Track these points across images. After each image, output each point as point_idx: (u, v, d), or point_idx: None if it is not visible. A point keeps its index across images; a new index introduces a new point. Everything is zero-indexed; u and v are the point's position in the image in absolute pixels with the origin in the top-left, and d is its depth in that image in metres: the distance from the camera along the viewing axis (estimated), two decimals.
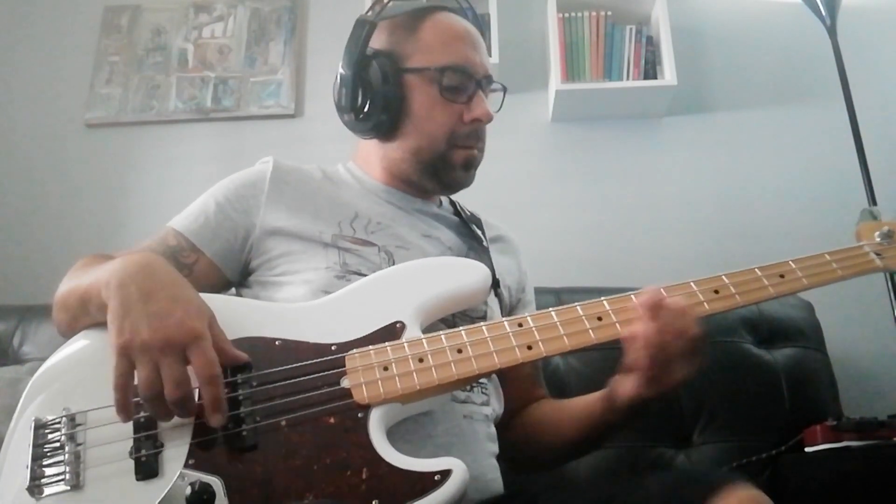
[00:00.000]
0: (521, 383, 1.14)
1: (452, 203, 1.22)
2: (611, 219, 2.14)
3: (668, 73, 2.10)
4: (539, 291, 1.25)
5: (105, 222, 2.19)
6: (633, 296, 0.89)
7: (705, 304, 0.88)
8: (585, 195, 2.17)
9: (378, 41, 1.08)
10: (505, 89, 1.14)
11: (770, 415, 1.55)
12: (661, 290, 0.87)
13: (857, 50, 2.06)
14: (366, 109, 1.06)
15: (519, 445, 1.09)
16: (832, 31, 1.87)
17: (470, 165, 1.09)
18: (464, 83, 1.06)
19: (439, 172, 1.08)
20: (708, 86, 2.27)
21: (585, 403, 1.02)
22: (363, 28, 1.06)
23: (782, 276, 0.91)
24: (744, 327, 1.65)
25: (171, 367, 0.75)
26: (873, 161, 1.78)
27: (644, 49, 2.17)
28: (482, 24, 2.13)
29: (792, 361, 1.62)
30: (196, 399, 0.77)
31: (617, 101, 2.18)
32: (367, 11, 1.10)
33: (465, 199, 1.26)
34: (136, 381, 0.76)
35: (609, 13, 2.20)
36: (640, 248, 2.08)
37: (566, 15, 2.20)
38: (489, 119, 1.07)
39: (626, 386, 0.88)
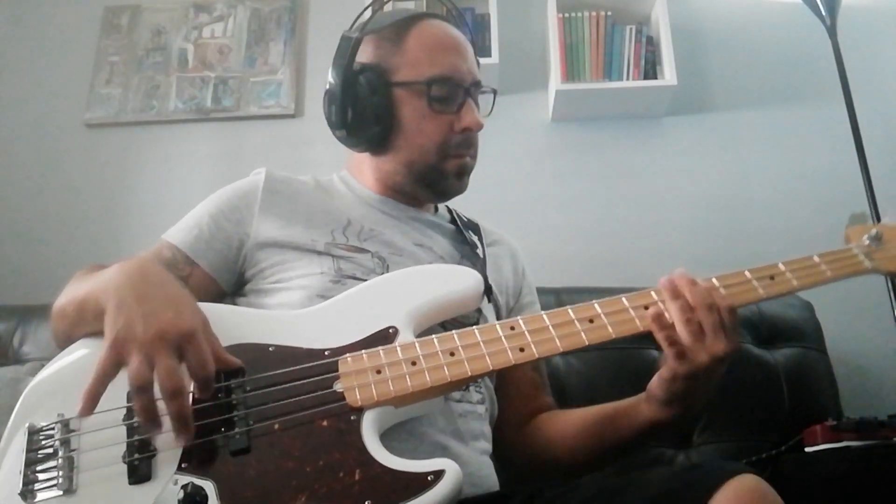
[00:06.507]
0: (525, 389, 1.12)
1: (449, 210, 1.21)
2: (611, 219, 2.14)
3: (668, 73, 2.10)
4: (539, 291, 1.25)
5: (105, 222, 2.19)
6: (623, 298, 0.89)
7: None
8: (585, 195, 2.17)
9: (365, 55, 1.07)
10: (495, 92, 1.14)
11: (770, 415, 1.55)
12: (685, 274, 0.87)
13: (857, 50, 2.06)
14: (356, 124, 1.06)
15: (529, 457, 1.07)
16: (832, 31, 1.87)
17: (462, 173, 1.09)
18: (452, 93, 1.06)
19: (432, 183, 1.09)
20: (708, 86, 2.27)
21: (612, 408, 0.99)
22: (349, 43, 1.06)
23: (772, 278, 0.91)
24: (744, 327, 1.64)
25: (164, 361, 0.74)
26: (873, 161, 1.78)
27: (644, 49, 2.17)
28: (483, 24, 2.18)
29: (792, 361, 1.61)
30: (190, 400, 0.76)
31: (617, 101, 2.18)
32: (352, 26, 1.09)
33: (466, 199, 1.26)
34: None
35: (609, 13, 2.20)
36: (639, 248, 2.08)
37: (566, 15, 2.20)
38: (479, 128, 1.07)
39: (662, 370, 0.86)
